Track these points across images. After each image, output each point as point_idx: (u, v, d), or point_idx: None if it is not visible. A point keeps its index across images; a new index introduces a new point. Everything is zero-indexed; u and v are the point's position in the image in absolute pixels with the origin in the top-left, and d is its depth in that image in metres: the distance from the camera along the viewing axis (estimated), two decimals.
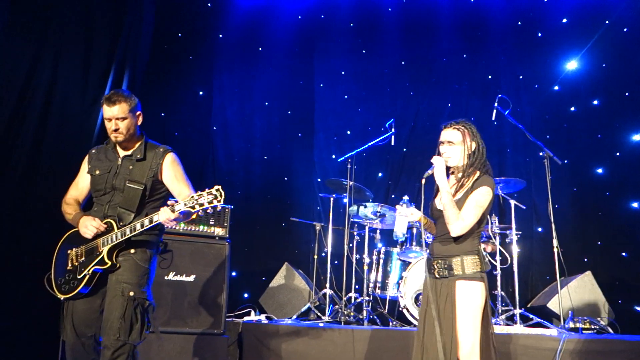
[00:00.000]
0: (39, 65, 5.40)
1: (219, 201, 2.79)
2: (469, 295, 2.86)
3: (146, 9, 6.48)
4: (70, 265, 3.12)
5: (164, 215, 2.89)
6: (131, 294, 2.95)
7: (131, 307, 2.93)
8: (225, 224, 4.84)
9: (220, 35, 7.62)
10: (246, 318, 5.43)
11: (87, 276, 3.00)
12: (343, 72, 7.88)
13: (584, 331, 4.94)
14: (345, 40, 7.92)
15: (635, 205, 6.57)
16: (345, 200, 6.10)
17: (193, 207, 2.81)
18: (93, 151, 3.33)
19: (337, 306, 5.66)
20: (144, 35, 6.47)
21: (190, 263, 4.62)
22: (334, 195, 6.25)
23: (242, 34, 7.69)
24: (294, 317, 5.70)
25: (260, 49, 7.80)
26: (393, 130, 6.15)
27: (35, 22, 5.44)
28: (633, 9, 6.75)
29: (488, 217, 3.19)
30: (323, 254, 6.20)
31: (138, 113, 3.20)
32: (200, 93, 7.45)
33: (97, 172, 3.20)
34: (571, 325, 5.01)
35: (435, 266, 3.02)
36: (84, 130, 5.58)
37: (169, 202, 3.00)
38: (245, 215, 7.06)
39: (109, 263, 2.98)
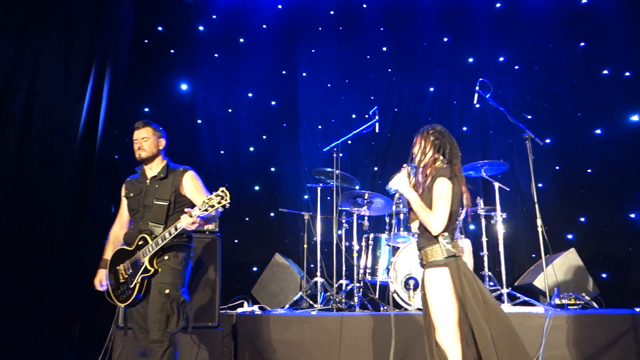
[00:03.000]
0: (19, 66, 5.38)
1: (226, 200, 3.27)
2: (435, 281, 3.11)
3: (125, 4, 6.44)
4: (121, 278, 3.62)
5: (184, 222, 3.37)
6: (167, 291, 3.45)
7: (167, 302, 3.42)
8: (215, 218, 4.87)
9: (201, 28, 7.60)
10: (239, 310, 5.47)
11: (137, 284, 3.51)
12: (326, 61, 7.91)
13: (569, 307, 5.06)
14: (327, 28, 7.94)
15: (616, 180, 6.68)
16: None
17: (207, 210, 3.29)
18: (128, 179, 3.89)
19: (328, 293, 5.74)
20: (124, 31, 6.45)
21: None
22: (321, 185, 6.30)
23: (222, 25, 7.68)
24: (287, 306, 5.76)
25: (241, 40, 7.80)
26: (377, 117, 6.19)
27: (14, 22, 5.40)
28: None
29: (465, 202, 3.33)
30: (312, 243, 6.26)
31: (161, 139, 3.80)
32: (184, 87, 7.43)
33: (132, 194, 3.76)
34: (557, 301, 5.12)
35: (419, 258, 3.32)
36: (68, 129, 5.57)
37: (185, 210, 3.41)
38: (234, 208, 7.02)
39: (152, 270, 3.50)
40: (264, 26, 7.84)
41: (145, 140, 3.75)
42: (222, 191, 3.28)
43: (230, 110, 7.67)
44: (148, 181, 3.74)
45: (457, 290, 3.05)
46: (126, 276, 3.60)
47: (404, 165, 3.42)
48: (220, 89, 7.70)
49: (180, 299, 3.50)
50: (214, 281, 4.75)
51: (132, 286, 3.53)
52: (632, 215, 6.25)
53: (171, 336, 3.42)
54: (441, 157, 3.34)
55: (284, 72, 7.83)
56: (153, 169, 3.78)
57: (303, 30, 7.92)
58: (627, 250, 6.29)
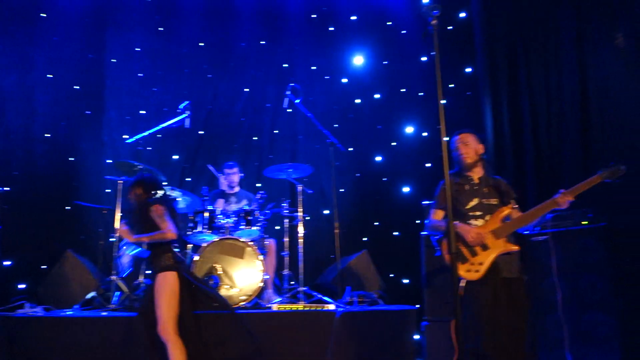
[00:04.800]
0: None
1: None
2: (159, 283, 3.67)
3: None
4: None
5: None
6: None
7: None
8: None
9: None
10: (19, 311, 4.95)
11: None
12: (138, 49, 7.54)
13: (359, 304, 5.46)
14: (142, 15, 7.58)
15: (406, 189, 7.39)
16: None
17: None
18: None
19: (125, 293, 5.44)
20: None
21: None
22: (123, 178, 5.98)
23: None
24: (76, 306, 5.34)
25: (43, 15, 7.07)
26: (188, 112, 6.06)
27: None
28: (409, 13, 7.52)
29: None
30: (110, 240, 5.90)
31: None
32: None
33: None
34: (348, 299, 5.48)
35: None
36: None
37: None
38: (25, 198, 6.45)
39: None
40: (70, 3, 7.20)
41: None
42: None
43: (25, 91, 6.89)
44: None
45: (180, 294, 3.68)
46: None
47: None
48: (15, 66, 6.87)
49: None
50: None
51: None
52: (418, 221, 6.92)
53: None
54: None
55: (90, 55, 7.27)
56: None
57: (115, 13, 7.45)
58: (413, 252, 6.96)
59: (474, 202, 3.78)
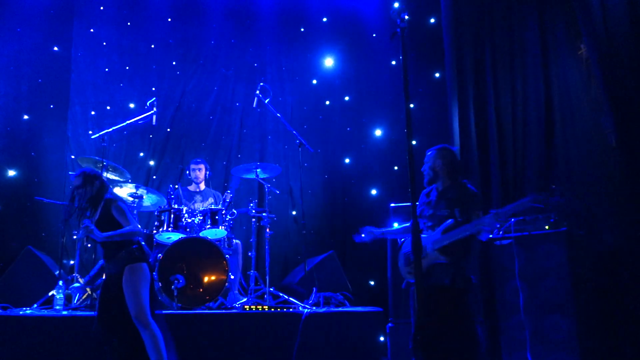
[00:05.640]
0: None
1: None
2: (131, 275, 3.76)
3: None
4: None
5: None
6: None
7: None
8: None
9: None
10: None
11: None
12: (105, 43, 7.39)
13: (325, 305, 5.46)
14: (109, 9, 7.45)
15: (374, 192, 7.43)
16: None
17: None
18: None
19: (87, 292, 5.33)
20: None
21: None
22: None
23: None
24: (35, 306, 5.19)
25: (6, 3, 6.88)
26: (155, 109, 5.98)
27: None
28: (380, 17, 7.56)
29: None
30: (73, 237, 5.77)
31: None
32: None
33: None
34: (315, 301, 5.48)
35: None
36: None
37: None
38: None
39: None
40: None
41: None
42: None
43: None
44: None
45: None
46: None
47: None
48: None
49: None
50: None
51: None
52: (385, 224, 6.96)
53: None
54: None
55: (55, 48, 7.11)
56: None
57: (82, 5, 7.30)
58: (379, 255, 7.00)
59: (429, 213, 4.00)
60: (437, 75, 7.23)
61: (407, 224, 4.26)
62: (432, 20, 7.26)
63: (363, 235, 4.50)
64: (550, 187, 3.68)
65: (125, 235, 3.81)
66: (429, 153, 4.12)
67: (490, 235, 4.23)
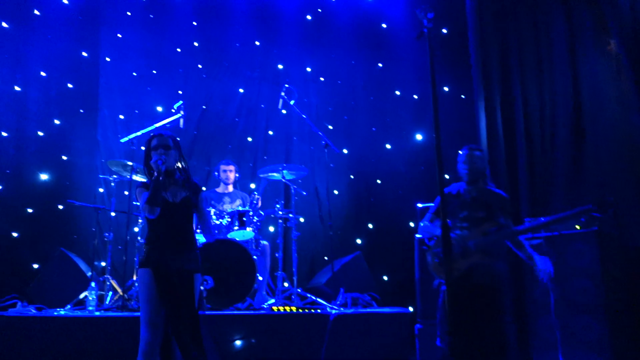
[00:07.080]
0: None
1: None
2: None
3: None
4: None
5: None
6: None
7: None
8: None
9: None
10: (12, 310, 4.94)
11: None
12: (133, 48, 7.48)
13: (352, 306, 5.48)
14: (136, 14, 7.54)
15: (400, 192, 7.39)
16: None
17: None
18: None
19: (118, 293, 5.43)
20: None
21: None
22: (114, 177, 5.98)
23: None
24: (69, 306, 5.31)
25: (37, 12, 7.04)
26: (182, 112, 6.06)
27: None
28: (406, 17, 7.54)
29: None
30: (105, 239, 5.88)
31: None
32: None
33: None
34: (342, 301, 5.50)
35: None
36: None
37: None
38: (16, 197, 6.48)
39: None
40: (65, 1, 7.18)
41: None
42: None
43: (18, 88, 6.86)
44: None
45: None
46: None
47: None
48: (7, 63, 6.85)
49: None
50: None
51: None
52: (412, 224, 6.95)
53: None
54: None
55: (84, 54, 7.23)
56: None
57: (109, 11, 7.40)
58: (406, 255, 6.99)
59: (463, 213, 3.97)
60: (462, 74, 7.10)
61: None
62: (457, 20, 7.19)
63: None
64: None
65: None
66: (469, 153, 4.06)
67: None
